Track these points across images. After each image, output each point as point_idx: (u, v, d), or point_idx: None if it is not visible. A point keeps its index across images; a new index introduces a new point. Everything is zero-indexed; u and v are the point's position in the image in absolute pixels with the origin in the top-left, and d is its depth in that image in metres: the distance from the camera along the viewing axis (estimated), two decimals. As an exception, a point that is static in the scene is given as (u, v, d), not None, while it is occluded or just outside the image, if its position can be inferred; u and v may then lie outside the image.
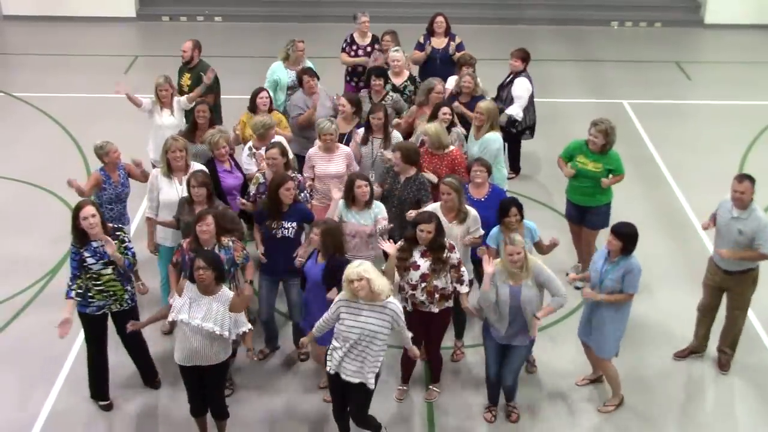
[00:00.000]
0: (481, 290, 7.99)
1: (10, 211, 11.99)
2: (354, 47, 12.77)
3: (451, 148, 9.83)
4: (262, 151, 9.53)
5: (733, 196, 8.48)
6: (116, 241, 8.00)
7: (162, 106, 10.80)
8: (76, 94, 15.76)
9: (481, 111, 10.18)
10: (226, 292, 7.51)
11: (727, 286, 8.83)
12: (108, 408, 8.57)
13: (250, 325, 7.70)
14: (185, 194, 8.86)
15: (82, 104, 15.27)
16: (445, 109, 10.22)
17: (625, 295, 8.07)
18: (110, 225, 8.18)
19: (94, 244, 7.96)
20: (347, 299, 7.37)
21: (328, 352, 7.59)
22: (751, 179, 8.43)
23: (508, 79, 12.13)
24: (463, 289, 8.24)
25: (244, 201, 9.22)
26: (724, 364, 9.15)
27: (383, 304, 7.29)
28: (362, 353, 7.39)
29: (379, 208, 8.95)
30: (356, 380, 7.50)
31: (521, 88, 11.95)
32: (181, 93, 11.42)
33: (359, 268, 7.22)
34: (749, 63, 18.03)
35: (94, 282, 8.05)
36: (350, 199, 8.84)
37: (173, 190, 9.07)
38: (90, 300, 8.15)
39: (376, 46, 12.58)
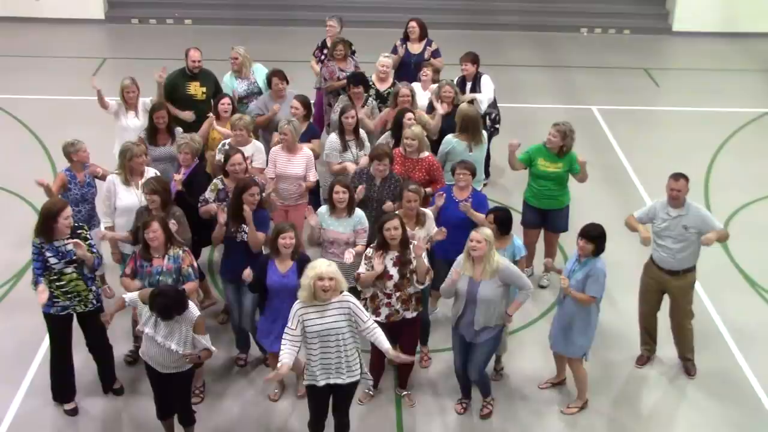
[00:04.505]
0: (445, 285, 8.05)
1: (-25, 214, 11.84)
2: (325, 51, 12.76)
3: (426, 153, 9.88)
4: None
5: (670, 195, 8.72)
6: (79, 240, 7.98)
7: (127, 108, 10.73)
8: (43, 97, 15.60)
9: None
10: (192, 312, 7.44)
11: (669, 287, 8.98)
12: (73, 413, 8.49)
13: (211, 347, 7.63)
14: (144, 199, 8.86)
15: (50, 107, 15.11)
16: (409, 115, 10.26)
17: (588, 296, 8.11)
18: (73, 223, 8.11)
19: (56, 243, 7.93)
20: (303, 305, 7.19)
21: (308, 367, 7.39)
22: (685, 177, 8.70)
23: (469, 84, 12.03)
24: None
25: (221, 209, 8.75)
26: (690, 369, 9.26)
27: (340, 298, 7.21)
28: (343, 351, 7.29)
29: (359, 218, 8.87)
30: (352, 380, 7.46)
31: (489, 87, 12.01)
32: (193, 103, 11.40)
33: (330, 267, 7.13)
34: (717, 70, 18.21)
35: (56, 282, 8.00)
36: (330, 203, 8.81)
37: (131, 196, 9.07)
38: (54, 300, 8.09)
39: (326, 56, 12.53)
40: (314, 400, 7.61)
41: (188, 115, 11.22)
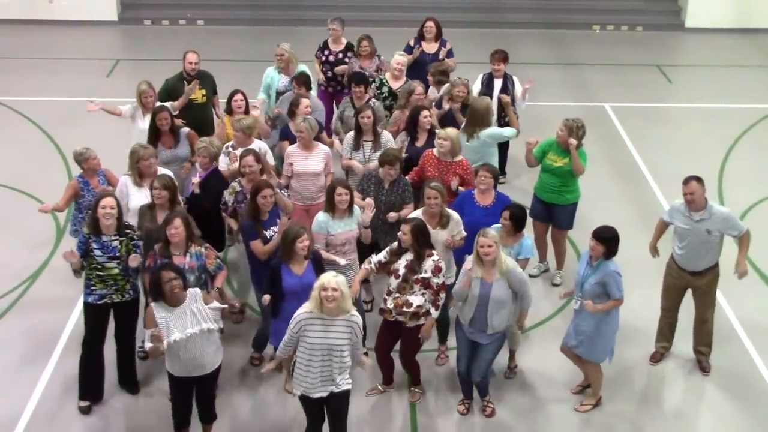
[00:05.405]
0: (458, 287, 8.04)
1: (-9, 216, 11.90)
2: (326, 53, 12.81)
3: (460, 157, 9.76)
4: (238, 151, 9.69)
5: (685, 199, 8.61)
6: (125, 239, 8.15)
7: (145, 112, 10.75)
8: (58, 98, 15.67)
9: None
10: (194, 292, 7.47)
11: (694, 285, 8.94)
12: (87, 410, 8.51)
13: (224, 305, 7.74)
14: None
15: (64, 108, 15.15)
16: (425, 113, 10.20)
17: (614, 301, 8.08)
18: (124, 222, 8.29)
19: (104, 238, 8.08)
20: (309, 314, 7.12)
21: (298, 376, 7.32)
22: (697, 179, 8.54)
23: (498, 81, 12.02)
24: (434, 314, 8.17)
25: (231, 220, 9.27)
26: (704, 366, 9.24)
27: (348, 317, 7.16)
28: (336, 363, 7.23)
29: (359, 212, 8.89)
30: (347, 387, 7.40)
31: (520, 88, 12.09)
32: (192, 106, 11.46)
33: (337, 278, 7.08)
34: (729, 66, 18.13)
35: (97, 272, 8.13)
36: (331, 206, 8.76)
37: (143, 197, 9.06)
38: (93, 288, 8.21)
39: (349, 54, 12.57)
40: (309, 409, 7.57)
41: (191, 87, 11.25)
